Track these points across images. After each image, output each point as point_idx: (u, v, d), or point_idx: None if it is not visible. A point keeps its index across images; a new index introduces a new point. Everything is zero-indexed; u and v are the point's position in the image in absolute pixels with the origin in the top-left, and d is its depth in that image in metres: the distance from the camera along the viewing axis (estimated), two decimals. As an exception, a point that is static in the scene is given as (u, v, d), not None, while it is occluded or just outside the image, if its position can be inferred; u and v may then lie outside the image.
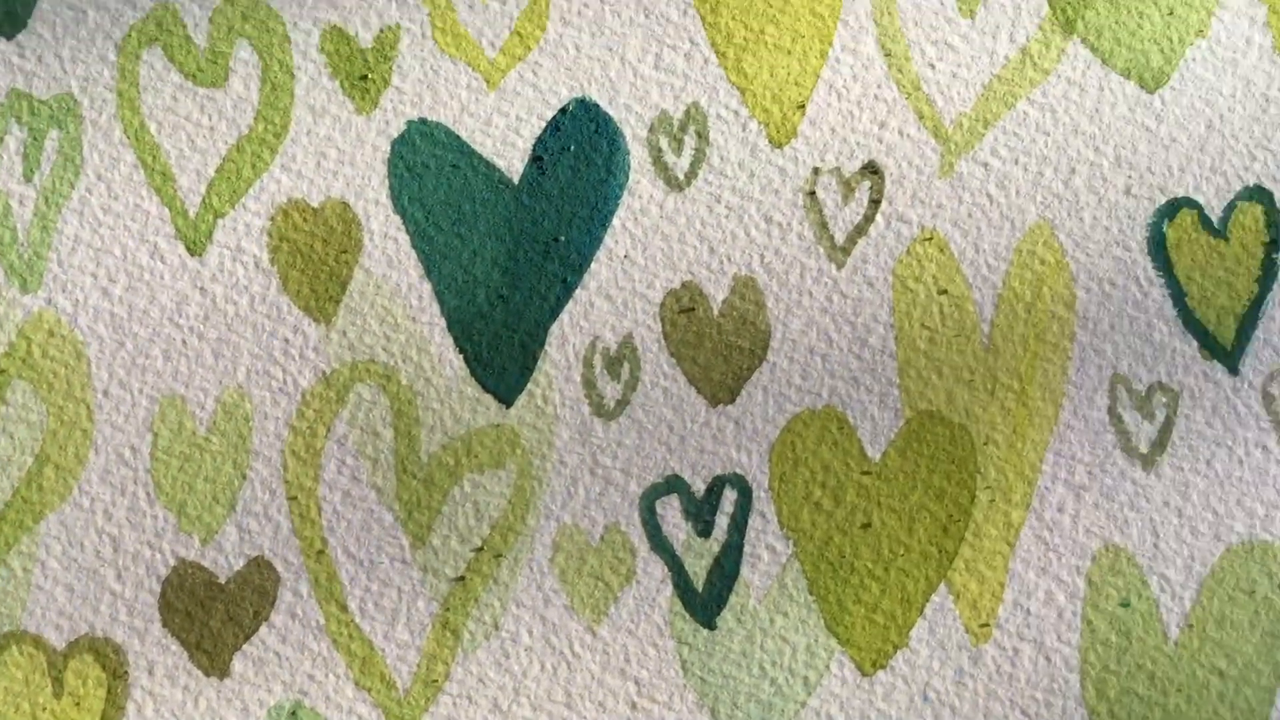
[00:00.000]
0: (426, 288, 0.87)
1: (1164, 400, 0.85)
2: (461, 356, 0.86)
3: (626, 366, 0.86)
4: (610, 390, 0.86)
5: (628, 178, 0.88)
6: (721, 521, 0.85)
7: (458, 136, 0.88)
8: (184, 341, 0.87)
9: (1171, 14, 0.88)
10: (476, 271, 0.87)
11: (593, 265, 0.87)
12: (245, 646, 0.84)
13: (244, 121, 0.89)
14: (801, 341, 0.86)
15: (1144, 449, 0.85)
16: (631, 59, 0.89)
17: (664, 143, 0.88)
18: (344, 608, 0.84)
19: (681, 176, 0.88)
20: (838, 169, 0.88)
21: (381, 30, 0.89)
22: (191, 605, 0.85)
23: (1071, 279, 0.86)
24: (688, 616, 0.84)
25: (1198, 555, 0.84)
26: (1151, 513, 0.84)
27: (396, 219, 0.88)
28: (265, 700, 0.83)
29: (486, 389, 0.86)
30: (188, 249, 0.88)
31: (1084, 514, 0.84)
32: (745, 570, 0.85)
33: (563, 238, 0.87)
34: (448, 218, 0.88)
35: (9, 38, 0.91)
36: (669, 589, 0.84)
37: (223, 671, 0.84)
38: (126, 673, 0.84)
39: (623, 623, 0.84)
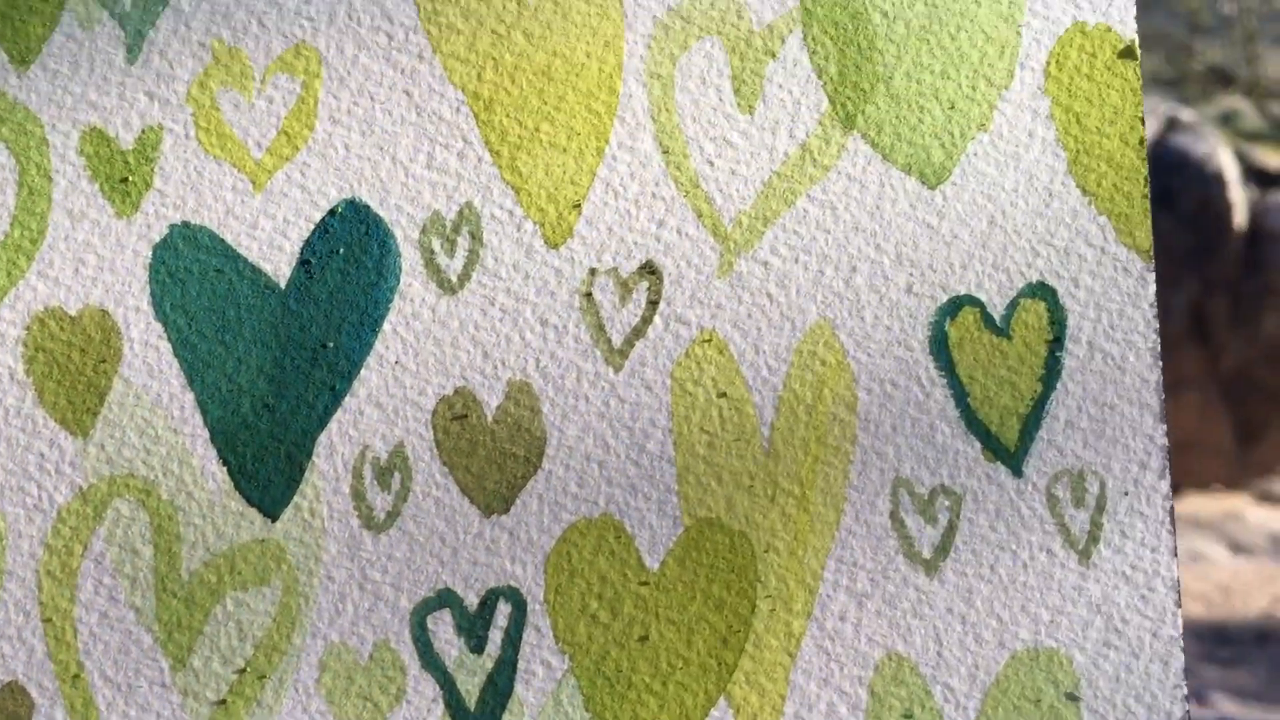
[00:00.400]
0: (189, 398, 0.84)
1: (947, 504, 0.83)
2: (225, 469, 0.83)
3: (397, 476, 0.83)
4: (380, 501, 0.83)
5: (399, 280, 0.85)
6: (495, 636, 0.82)
7: (222, 240, 0.85)
8: (-66, 457, 0.83)
9: (953, 108, 0.86)
10: (241, 380, 0.84)
11: (362, 372, 0.84)
12: (-4, 778, 0.80)
13: (-1, 227, 0.85)
14: (578, 448, 0.84)
15: (927, 554, 0.83)
16: (403, 158, 0.86)
17: (436, 244, 0.85)
18: (100, 735, 0.81)
19: (454, 279, 0.85)
20: (615, 269, 0.85)
21: (143, 131, 0.86)
22: (-60, 735, 0.81)
23: (853, 380, 0.84)
24: (459, 737, 0.81)
25: (981, 663, 0.82)
26: (935, 620, 0.82)
27: (158, 326, 0.84)
28: (14, 836, 0.79)
29: (251, 502, 0.83)
30: (-62, 360, 0.84)
31: (866, 622, 0.82)
32: (520, 687, 0.82)
33: (331, 344, 0.84)
34: (211, 325, 0.84)
35: None
36: (440, 708, 0.81)
37: (-31, 806, 0.80)
38: None
39: (392, 745, 0.81)
